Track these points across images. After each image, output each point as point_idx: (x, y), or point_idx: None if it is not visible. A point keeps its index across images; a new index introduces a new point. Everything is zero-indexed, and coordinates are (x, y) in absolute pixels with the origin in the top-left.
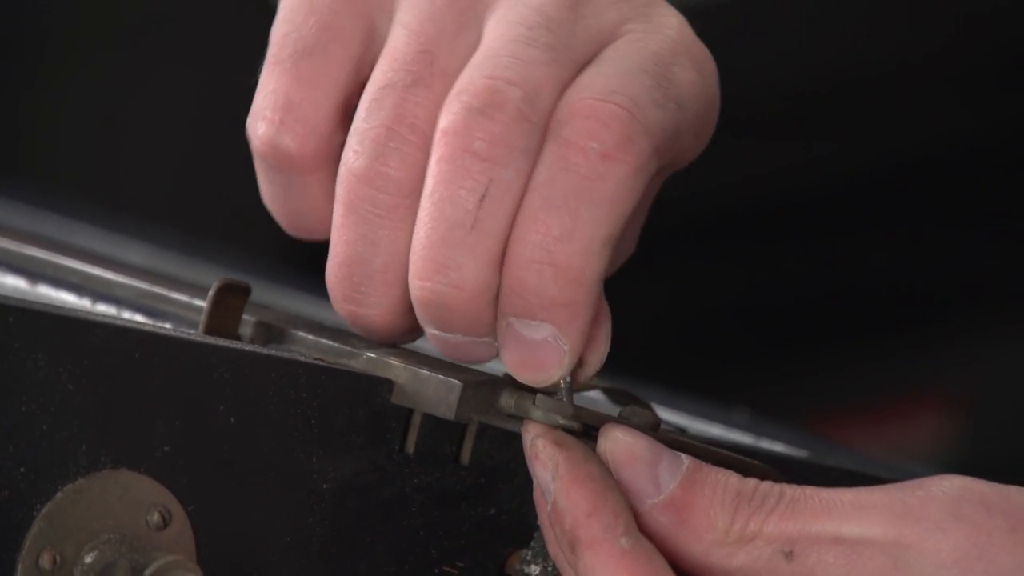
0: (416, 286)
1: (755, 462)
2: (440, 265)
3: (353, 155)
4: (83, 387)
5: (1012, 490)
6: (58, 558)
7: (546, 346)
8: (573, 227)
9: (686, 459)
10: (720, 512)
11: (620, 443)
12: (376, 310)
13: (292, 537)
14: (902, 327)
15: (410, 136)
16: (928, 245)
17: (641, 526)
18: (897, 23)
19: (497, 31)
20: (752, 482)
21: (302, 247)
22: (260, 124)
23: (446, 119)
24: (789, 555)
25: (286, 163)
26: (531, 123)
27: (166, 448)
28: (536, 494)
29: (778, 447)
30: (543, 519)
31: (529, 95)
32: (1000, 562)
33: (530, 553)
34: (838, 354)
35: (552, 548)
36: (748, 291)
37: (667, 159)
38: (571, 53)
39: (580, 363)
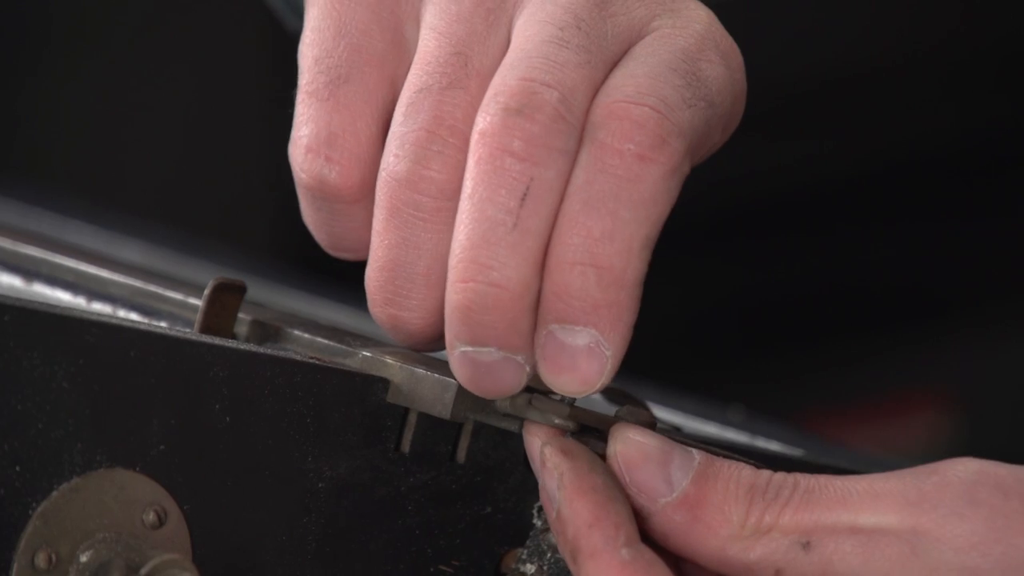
0: (456, 289)
1: (751, 461)
2: (482, 265)
3: (394, 159)
4: (79, 386)
5: None
6: (54, 557)
7: (589, 353)
8: (614, 228)
9: (698, 454)
10: (735, 506)
11: (631, 444)
12: (418, 313)
13: (288, 536)
14: (896, 325)
15: (450, 138)
16: (923, 243)
17: (655, 525)
18: (892, 20)
19: (528, 31)
20: (766, 474)
21: (297, 246)
22: (305, 158)
23: (484, 120)
24: (806, 546)
25: (332, 195)
26: (568, 124)
27: (162, 447)
28: (543, 499)
29: (773, 446)
30: (552, 524)
31: (565, 96)
32: (1018, 544)
33: (526, 552)
34: (833, 352)
35: (561, 551)
36: (743, 290)
37: (699, 156)
38: (603, 53)
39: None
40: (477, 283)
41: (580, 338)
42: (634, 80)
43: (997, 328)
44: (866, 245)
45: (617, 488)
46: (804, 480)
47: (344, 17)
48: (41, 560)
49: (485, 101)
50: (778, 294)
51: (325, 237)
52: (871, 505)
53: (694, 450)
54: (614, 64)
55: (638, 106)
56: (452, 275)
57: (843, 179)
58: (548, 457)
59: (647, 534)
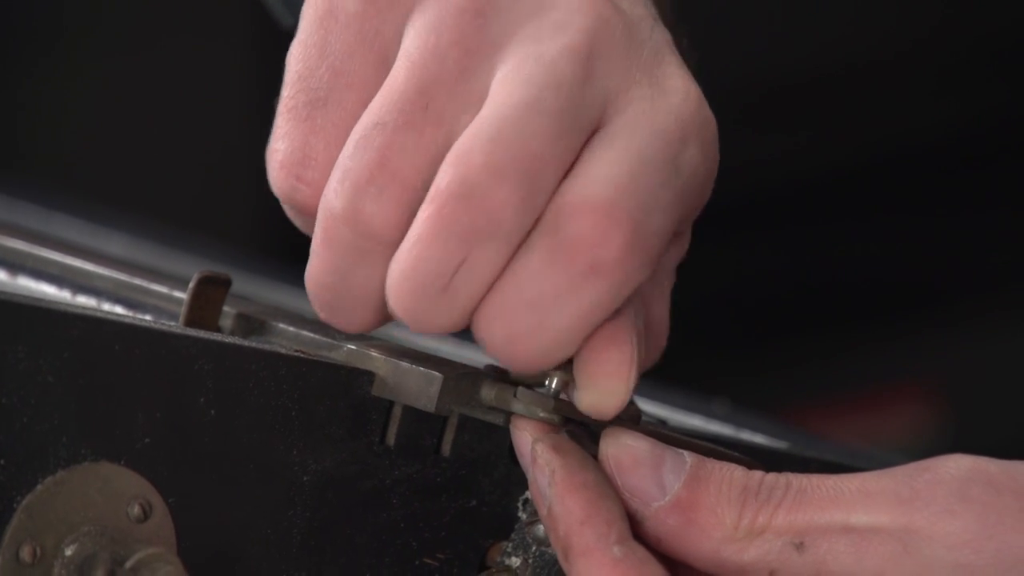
0: (393, 310)
1: (735, 454)
2: (412, 314)
3: (333, 194)
4: (64, 379)
5: (1020, 467)
6: (38, 550)
7: None
8: (540, 328)
9: (689, 457)
10: (727, 508)
11: (623, 447)
12: (351, 323)
13: (273, 529)
14: (881, 318)
15: (390, 185)
16: (908, 237)
17: (649, 529)
18: (885, 12)
19: (506, 88)
20: (757, 475)
21: (282, 239)
22: (277, 173)
23: (443, 180)
24: (800, 546)
25: (299, 210)
26: (526, 207)
27: (147, 440)
28: (534, 496)
29: (758, 438)
30: (543, 520)
31: (529, 177)
32: (1011, 541)
33: (511, 545)
34: (818, 345)
35: (554, 547)
36: (729, 283)
37: (662, 255)
38: (579, 122)
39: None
40: (410, 320)
41: None
42: (612, 178)
43: (982, 321)
44: (852, 238)
45: (608, 486)
46: (796, 480)
47: (330, 36)
48: (26, 554)
49: (448, 160)
50: (764, 287)
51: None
52: (863, 504)
53: (685, 452)
54: (590, 132)
55: (609, 216)
56: (389, 302)
57: (829, 173)
58: (540, 453)
59: (641, 537)
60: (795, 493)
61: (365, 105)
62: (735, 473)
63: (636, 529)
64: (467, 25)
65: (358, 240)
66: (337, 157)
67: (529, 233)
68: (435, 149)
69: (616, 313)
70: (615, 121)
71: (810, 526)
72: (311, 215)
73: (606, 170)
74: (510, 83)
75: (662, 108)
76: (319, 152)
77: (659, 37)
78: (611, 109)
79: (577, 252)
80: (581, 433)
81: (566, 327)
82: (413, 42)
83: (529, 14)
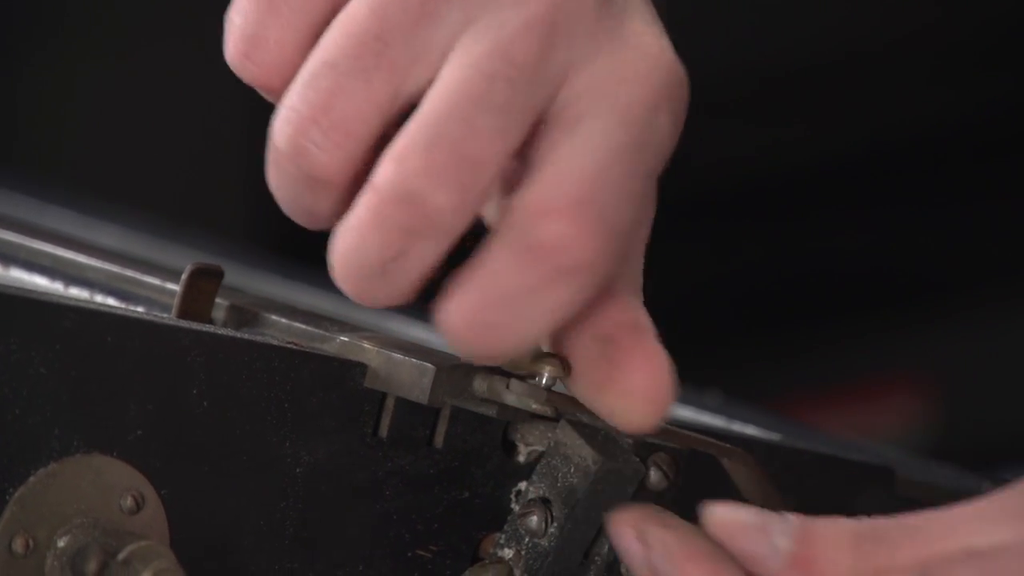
0: (335, 280)
1: (728, 445)
2: (353, 291)
3: (279, 125)
4: (56, 371)
5: None
6: (31, 542)
7: None
8: (506, 325)
9: (791, 516)
10: (844, 555)
11: (728, 516)
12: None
13: (265, 521)
14: (873, 310)
15: (333, 130)
16: (900, 228)
17: None
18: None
19: (455, 77)
20: (866, 521)
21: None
22: (229, 47)
23: (381, 177)
24: None
25: (256, 86)
26: (466, 208)
27: (139, 432)
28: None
29: (750, 430)
30: None
31: (471, 179)
32: None
33: (503, 536)
34: (810, 337)
35: None
36: (721, 274)
37: (632, 239)
38: (532, 105)
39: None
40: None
41: None
42: (578, 174)
43: (976, 312)
44: (844, 230)
45: (721, 550)
46: (904, 518)
47: None
48: (18, 545)
49: (391, 154)
50: (756, 279)
51: None
52: (981, 526)
53: (786, 513)
54: (545, 110)
55: (577, 218)
56: (332, 275)
57: (820, 164)
58: (653, 536)
59: None
60: (908, 529)
61: (329, 9)
62: (842, 523)
63: None
64: None
65: (305, 177)
66: (291, 43)
67: (498, 229)
68: (382, 100)
69: (636, 326)
70: (580, 101)
71: (932, 557)
72: (265, 91)
73: (572, 164)
74: (461, 67)
75: (630, 77)
76: (271, 35)
77: None
78: (574, 82)
79: (545, 255)
80: (574, 427)
81: (534, 324)
82: None
83: None
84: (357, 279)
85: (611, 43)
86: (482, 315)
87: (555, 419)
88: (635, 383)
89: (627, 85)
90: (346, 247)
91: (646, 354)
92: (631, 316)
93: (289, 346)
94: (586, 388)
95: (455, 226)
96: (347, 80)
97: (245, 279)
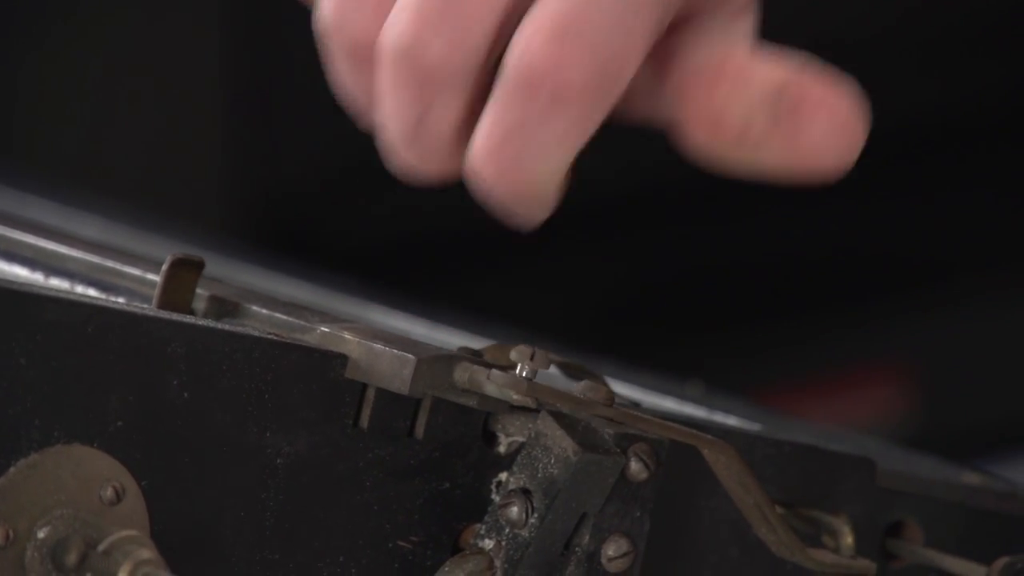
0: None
1: (708, 436)
2: (404, 159)
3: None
4: (36, 362)
5: None
6: (11, 533)
7: None
8: (520, 160)
9: None
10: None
11: None
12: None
13: (246, 512)
14: (854, 300)
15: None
16: (882, 218)
17: None
18: None
19: None
20: None
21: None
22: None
23: (382, 38)
24: None
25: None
26: (464, 53)
27: (119, 423)
28: None
29: (732, 421)
30: None
31: (462, 24)
32: None
33: (484, 527)
34: (791, 327)
35: None
36: (700, 264)
37: (636, 69)
38: None
39: None
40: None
41: None
42: (557, 4)
43: (957, 302)
44: (825, 218)
45: None
46: None
47: None
48: None
49: (387, 21)
50: (736, 269)
51: None
52: None
53: None
54: None
55: (562, 41)
56: None
57: None
58: None
59: None
60: None
61: None
62: None
63: None
64: None
65: (348, 46)
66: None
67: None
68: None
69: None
70: None
71: None
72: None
73: None
74: None
75: None
76: None
77: None
78: None
79: (536, 83)
80: (548, 416)
81: (550, 153)
82: None
83: None
84: (402, 152)
85: None
86: (500, 151)
87: (536, 410)
88: (823, 125)
89: None
90: (383, 122)
91: (822, 94)
92: (774, 70)
93: (270, 337)
94: (776, 155)
95: (461, 74)
96: None
97: (226, 269)
